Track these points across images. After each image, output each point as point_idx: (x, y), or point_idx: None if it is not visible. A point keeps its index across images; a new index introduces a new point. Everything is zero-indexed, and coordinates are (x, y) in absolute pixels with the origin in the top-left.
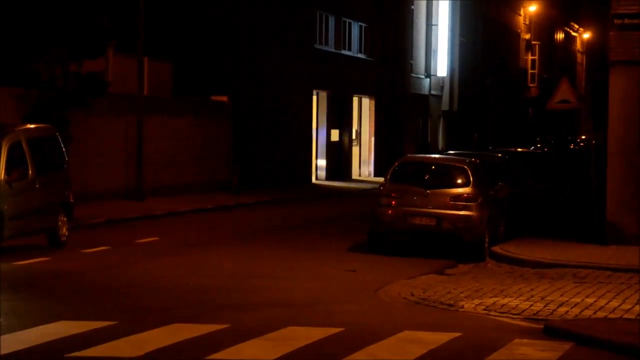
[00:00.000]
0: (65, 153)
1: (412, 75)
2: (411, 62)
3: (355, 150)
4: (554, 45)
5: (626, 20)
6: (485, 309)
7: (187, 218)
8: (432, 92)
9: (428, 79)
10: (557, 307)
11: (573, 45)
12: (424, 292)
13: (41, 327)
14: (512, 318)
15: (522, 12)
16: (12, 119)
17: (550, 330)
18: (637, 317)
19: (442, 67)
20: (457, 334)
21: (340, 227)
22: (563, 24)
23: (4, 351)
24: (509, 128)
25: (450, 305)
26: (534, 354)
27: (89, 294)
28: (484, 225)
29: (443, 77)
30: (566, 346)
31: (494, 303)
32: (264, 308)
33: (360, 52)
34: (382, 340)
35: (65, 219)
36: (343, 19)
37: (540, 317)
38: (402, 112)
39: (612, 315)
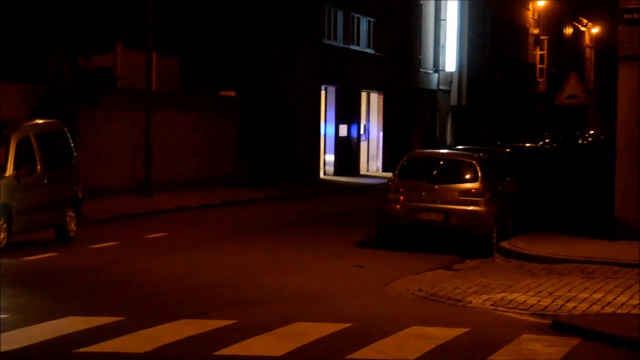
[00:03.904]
0: (73, 148)
1: (421, 70)
2: (420, 57)
3: (363, 145)
4: (562, 40)
5: (635, 15)
6: (493, 305)
7: (196, 213)
8: (441, 87)
9: (436, 74)
10: (565, 303)
11: (582, 40)
12: (431, 288)
13: (49, 322)
14: (520, 313)
15: (530, 6)
16: (20, 114)
17: (558, 326)
18: None
19: (450, 62)
20: (465, 330)
21: (348, 223)
22: (572, 19)
23: (12, 347)
24: (517, 123)
25: (458, 300)
26: (542, 349)
27: (97, 289)
28: (492, 220)
29: (451, 72)
30: (574, 342)
31: (501, 298)
32: (272, 304)
33: (369, 47)
34: (389, 335)
35: (73, 214)
36: (352, 13)
37: (548, 313)
38: (411, 107)
39: (619, 311)
